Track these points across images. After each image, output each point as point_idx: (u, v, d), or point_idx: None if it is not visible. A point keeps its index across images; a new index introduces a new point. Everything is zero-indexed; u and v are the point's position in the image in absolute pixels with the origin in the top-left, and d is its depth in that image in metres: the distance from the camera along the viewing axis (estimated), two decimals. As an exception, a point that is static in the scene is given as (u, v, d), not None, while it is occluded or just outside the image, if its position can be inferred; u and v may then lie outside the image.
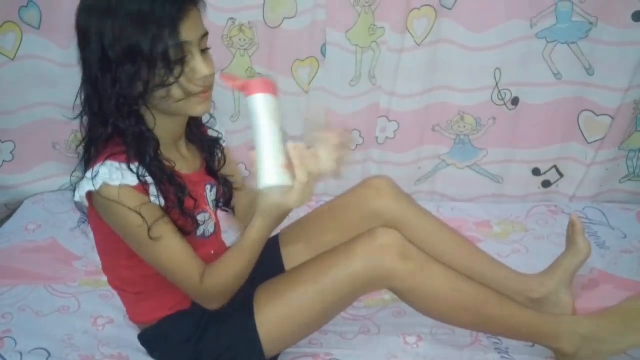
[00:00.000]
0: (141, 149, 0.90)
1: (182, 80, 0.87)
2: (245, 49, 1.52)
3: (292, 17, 1.46)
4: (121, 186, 0.87)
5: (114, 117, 0.88)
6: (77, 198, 0.92)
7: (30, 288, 1.32)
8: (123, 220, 0.89)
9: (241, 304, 1.03)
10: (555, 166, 1.65)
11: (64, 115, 1.52)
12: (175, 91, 0.88)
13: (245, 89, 0.88)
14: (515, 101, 1.55)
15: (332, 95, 1.57)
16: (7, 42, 1.52)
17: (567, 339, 1.05)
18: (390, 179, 1.21)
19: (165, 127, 0.94)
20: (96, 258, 1.38)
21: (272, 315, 1.02)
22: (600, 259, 1.40)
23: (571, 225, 1.17)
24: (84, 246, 1.45)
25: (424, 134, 1.61)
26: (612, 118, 1.52)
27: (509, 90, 1.54)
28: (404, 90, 1.54)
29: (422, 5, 1.43)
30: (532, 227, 1.55)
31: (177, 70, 0.86)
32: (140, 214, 0.88)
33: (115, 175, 0.87)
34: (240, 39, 1.50)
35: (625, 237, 1.50)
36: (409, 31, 1.46)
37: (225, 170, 1.11)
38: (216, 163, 1.09)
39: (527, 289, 1.16)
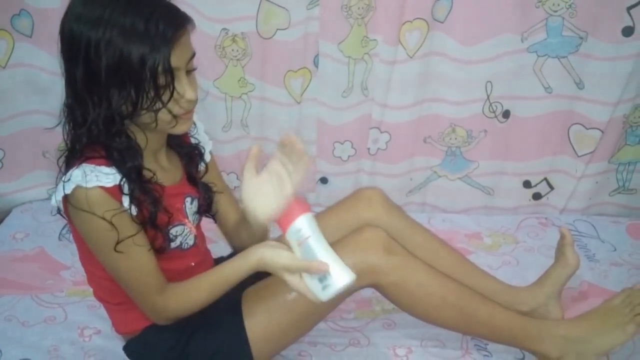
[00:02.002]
0: (125, 160, 0.89)
1: (172, 102, 0.87)
2: (238, 59, 1.52)
3: (285, 29, 1.46)
4: (94, 188, 0.85)
5: (98, 131, 0.87)
6: (53, 202, 0.91)
7: (17, 298, 1.30)
8: (89, 225, 0.88)
9: (229, 307, 1.02)
10: (545, 179, 1.66)
11: (48, 125, 1.52)
12: (162, 114, 0.88)
13: (286, 218, 0.90)
14: (506, 114, 1.56)
15: (324, 106, 1.57)
16: (-1, 49, 1.51)
17: (550, 341, 1.06)
18: (381, 190, 1.21)
19: (144, 140, 0.93)
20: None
21: (260, 315, 1.01)
22: (590, 271, 1.41)
23: (561, 237, 1.18)
24: (72, 256, 1.43)
25: (416, 146, 1.62)
26: (602, 132, 1.53)
27: (500, 103, 1.55)
28: (396, 101, 1.55)
29: (415, 18, 1.44)
30: (522, 239, 1.56)
31: (165, 96, 0.86)
32: (109, 222, 0.86)
33: (89, 177, 0.86)
34: (233, 49, 1.50)
35: (615, 250, 1.50)
36: (401, 43, 1.47)
37: (207, 177, 1.09)
38: (196, 170, 1.07)
39: (517, 302, 1.17)
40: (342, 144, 1.62)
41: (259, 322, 1.01)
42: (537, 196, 1.68)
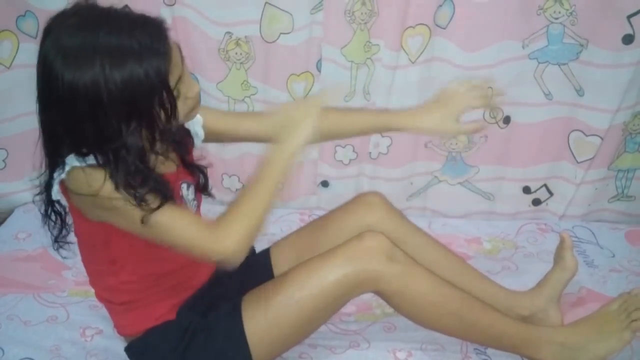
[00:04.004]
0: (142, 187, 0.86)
1: (182, 104, 0.87)
2: (241, 63, 1.53)
3: (289, 33, 1.47)
4: (90, 165, 0.83)
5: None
6: (54, 196, 0.88)
7: (19, 297, 1.31)
8: (102, 202, 0.84)
9: (229, 310, 1.03)
10: (545, 185, 1.67)
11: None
12: (181, 115, 0.88)
13: None
14: (506, 120, 1.57)
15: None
16: (4, 50, 1.52)
17: (547, 348, 1.07)
18: (382, 195, 1.22)
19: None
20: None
21: (260, 320, 1.02)
22: (589, 277, 1.42)
23: (560, 241, 1.20)
24: (74, 256, 1.43)
25: (417, 150, 1.63)
26: (602, 138, 1.54)
27: (501, 109, 1.56)
28: (398, 106, 1.55)
29: (417, 24, 1.45)
30: (522, 244, 1.56)
31: (175, 114, 0.84)
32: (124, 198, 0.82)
33: (86, 158, 0.83)
34: (236, 53, 1.51)
35: (614, 256, 1.51)
36: (403, 49, 1.48)
37: (211, 121, 1.09)
38: (187, 152, 1.07)
39: (517, 306, 1.17)
40: (343, 147, 1.63)
41: (259, 326, 1.02)
42: (536, 202, 1.69)
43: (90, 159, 0.84)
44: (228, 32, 1.49)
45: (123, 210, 0.84)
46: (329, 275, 1.01)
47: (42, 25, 1.48)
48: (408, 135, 1.59)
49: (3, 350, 1.16)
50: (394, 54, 1.49)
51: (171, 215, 0.87)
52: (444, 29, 1.47)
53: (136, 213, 0.84)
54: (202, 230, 0.88)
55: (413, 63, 1.50)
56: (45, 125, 0.85)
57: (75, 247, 1.02)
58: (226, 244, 0.88)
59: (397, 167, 1.64)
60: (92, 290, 1.32)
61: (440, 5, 1.44)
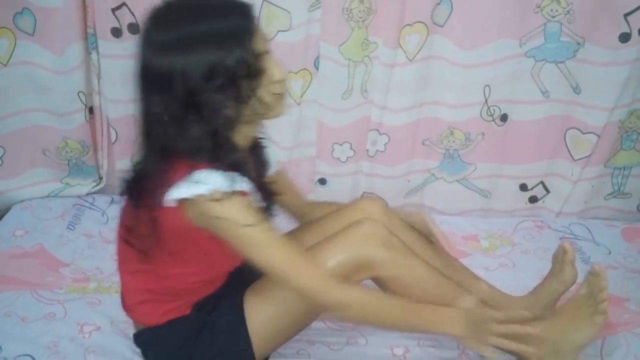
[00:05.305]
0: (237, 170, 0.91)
1: (268, 86, 0.90)
2: (239, 60, 1.53)
3: (286, 30, 1.48)
4: (234, 192, 0.88)
5: (206, 147, 0.87)
6: (173, 196, 0.89)
7: (17, 294, 1.31)
8: (235, 226, 0.89)
9: (231, 306, 1.04)
10: (542, 182, 1.67)
11: (48, 123, 1.54)
12: (267, 98, 0.90)
13: None
14: (504, 117, 1.58)
15: (324, 107, 1.58)
16: (1, 48, 1.52)
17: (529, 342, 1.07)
18: (380, 202, 1.20)
19: (244, 137, 0.95)
20: (83, 264, 1.39)
21: (261, 312, 1.02)
22: (585, 274, 1.42)
23: (563, 251, 1.17)
24: (72, 253, 1.45)
25: (414, 148, 1.63)
26: (598, 136, 1.55)
27: (498, 107, 1.56)
28: (395, 104, 1.56)
29: (415, 22, 1.46)
30: (518, 241, 1.57)
31: (258, 81, 0.88)
32: (252, 218, 0.89)
33: (226, 182, 0.87)
34: (234, 50, 1.51)
35: (610, 253, 1.52)
36: (401, 47, 1.49)
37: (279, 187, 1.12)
38: (265, 173, 1.09)
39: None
40: (341, 145, 1.63)
41: (260, 318, 1.02)
42: (533, 199, 1.69)
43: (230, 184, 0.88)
44: (226, 30, 1.48)
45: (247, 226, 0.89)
46: (326, 261, 1.01)
47: (39, 22, 1.50)
48: (406, 132, 1.60)
49: (1, 347, 1.16)
50: (392, 51, 1.49)
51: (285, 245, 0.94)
52: (442, 26, 1.47)
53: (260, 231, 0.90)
54: (318, 271, 0.96)
55: (411, 61, 1.50)
56: (149, 122, 0.89)
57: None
58: (335, 296, 0.95)
59: (395, 165, 1.65)
60: (90, 287, 1.33)
61: (438, 3, 1.44)
